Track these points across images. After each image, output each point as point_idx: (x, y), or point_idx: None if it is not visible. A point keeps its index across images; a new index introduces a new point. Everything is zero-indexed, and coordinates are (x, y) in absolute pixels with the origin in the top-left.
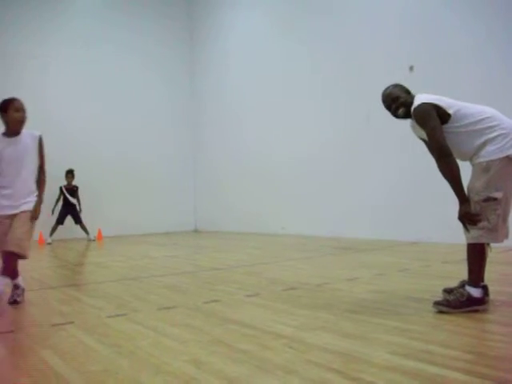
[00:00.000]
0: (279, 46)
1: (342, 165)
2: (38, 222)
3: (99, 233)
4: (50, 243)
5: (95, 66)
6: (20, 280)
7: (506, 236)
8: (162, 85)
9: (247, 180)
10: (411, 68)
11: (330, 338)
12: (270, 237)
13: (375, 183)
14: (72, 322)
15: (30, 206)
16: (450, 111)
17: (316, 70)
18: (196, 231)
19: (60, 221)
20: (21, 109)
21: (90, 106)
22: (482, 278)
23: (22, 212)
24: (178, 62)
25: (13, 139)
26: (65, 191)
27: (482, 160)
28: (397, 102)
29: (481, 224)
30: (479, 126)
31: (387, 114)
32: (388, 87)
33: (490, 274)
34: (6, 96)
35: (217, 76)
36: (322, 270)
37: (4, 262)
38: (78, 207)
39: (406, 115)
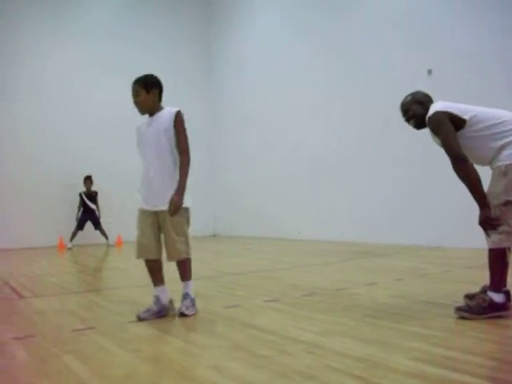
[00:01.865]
0: (296, 47)
1: (360, 169)
2: (58, 228)
3: (118, 238)
4: (70, 248)
5: (108, 63)
6: (189, 288)
7: None
8: (179, 86)
9: (265, 185)
10: (429, 71)
11: (350, 343)
12: (287, 241)
13: (394, 187)
14: (93, 328)
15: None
16: (465, 117)
17: (334, 72)
18: (215, 236)
19: (80, 226)
20: (133, 94)
21: (106, 111)
22: (504, 284)
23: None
24: (195, 63)
25: (152, 118)
26: (84, 197)
27: (500, 164)
28: (406, 114)
29: (501, 228)
30: (496, 130)
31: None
32: (406, 96)
33: None
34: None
35: (233, 78)
36: (341, 275)
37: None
38: (97, 212)
39: (418, 126)
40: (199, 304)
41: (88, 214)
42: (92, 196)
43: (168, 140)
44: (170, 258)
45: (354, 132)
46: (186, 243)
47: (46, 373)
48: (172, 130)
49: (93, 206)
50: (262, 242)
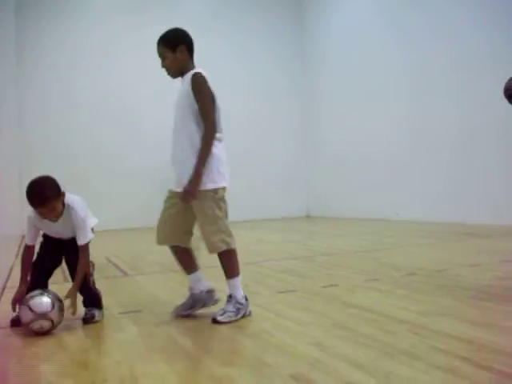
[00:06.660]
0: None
1: (463, 147)
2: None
3: None
4: None
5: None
6: (235, 288)
7: None
8: (274, 65)
9: (360, 165)
10: None
11: (455, 324)
12: (383, 222)
13: (501, 165)
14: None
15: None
16: None
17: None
18: (308, 217)
19: None
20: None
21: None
22: None
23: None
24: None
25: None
26: None
27: None
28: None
29: None
30: None
31: None
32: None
33: None
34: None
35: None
36: (441, 256)
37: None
38: None
39: None
40: (298, 282)
41: None
42: None
43: (190, 106)
44: (208, 251)
45: (458, 106)
46: (222, 231)
47: (154, 345)
48: (191, 96)
49: None
50: (357, 223)
